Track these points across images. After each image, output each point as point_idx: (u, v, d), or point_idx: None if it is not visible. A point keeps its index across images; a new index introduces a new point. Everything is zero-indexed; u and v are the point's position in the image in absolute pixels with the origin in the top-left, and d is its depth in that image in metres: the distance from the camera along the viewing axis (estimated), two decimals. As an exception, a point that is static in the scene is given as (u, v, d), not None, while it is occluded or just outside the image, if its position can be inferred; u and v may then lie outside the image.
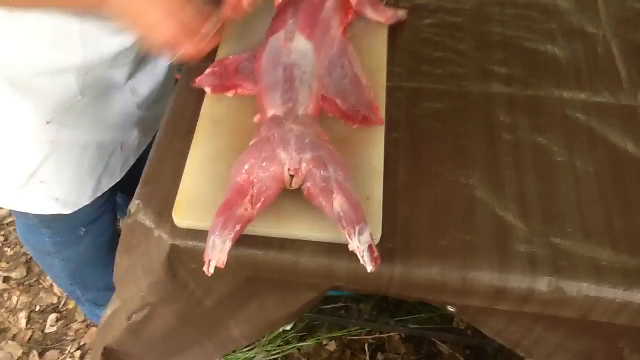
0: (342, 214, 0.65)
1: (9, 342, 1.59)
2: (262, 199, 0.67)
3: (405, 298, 0.75)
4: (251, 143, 0.71)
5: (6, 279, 1.72)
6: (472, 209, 0.74)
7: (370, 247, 0.64)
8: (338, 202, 0.65)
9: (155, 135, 1.05)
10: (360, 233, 0.64)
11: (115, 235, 1.20)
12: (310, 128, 0.70)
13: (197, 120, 0.81)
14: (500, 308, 0.72)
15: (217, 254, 0.64)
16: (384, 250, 0.70)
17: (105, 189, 1.02)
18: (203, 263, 0.68)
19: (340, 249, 0.70)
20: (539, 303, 0.69)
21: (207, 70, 0.84)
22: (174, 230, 0.73)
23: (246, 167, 0.67)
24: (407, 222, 0.73)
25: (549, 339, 0.77)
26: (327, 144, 0.71)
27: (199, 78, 0.83)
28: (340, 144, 0.77)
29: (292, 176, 0.68)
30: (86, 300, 1.44)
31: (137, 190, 0.77)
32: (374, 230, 0.70)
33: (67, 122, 0.87)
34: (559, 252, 0.70)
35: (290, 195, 0.72)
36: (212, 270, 0.64)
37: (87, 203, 1.00)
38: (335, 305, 1.53)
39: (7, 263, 1.74)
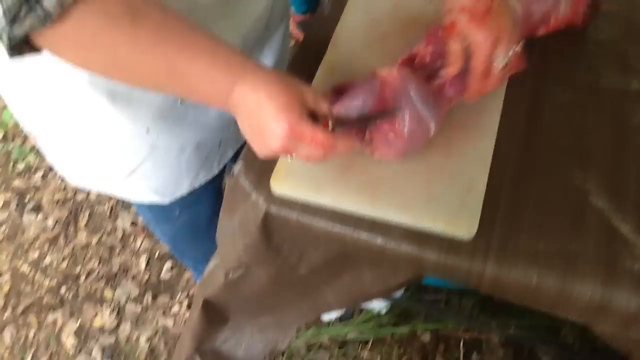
0: None
1: (129, 281, 1.74)
2: None
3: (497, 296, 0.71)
4: None
5: (133, 224, 1.87)
6: (583, 214, 0.68)
7: None
8: None
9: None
10: None
11: (216, 212, 1.23)
12: None
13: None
14: (599, 328, 0.66)
15: None
16: (478, 245, 0.66)
17: (203, 181, 1.03)
18: (294, 231, 0.68)
19: (430, 239, 0.68)
20: (647, 328, 0.62)
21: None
22: (270, 197, 0.74)
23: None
24: (508, 217, 0.68)
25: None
26: None
27: None
28: (449, 129, 0.73)
29: None
30: (186, 263, 1.53)
31: (243, 151, 0.79)
32: (471, 224, 0.67)
33: (166, 128, 0.87)
34: (679, 276, 0.62)
35: (388, 177, 0.70)
36: None
37: (184, 193, 1.02)
38: (436, 297, 1.49)
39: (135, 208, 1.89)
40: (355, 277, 0.85)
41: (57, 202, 1.96)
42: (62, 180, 1.99)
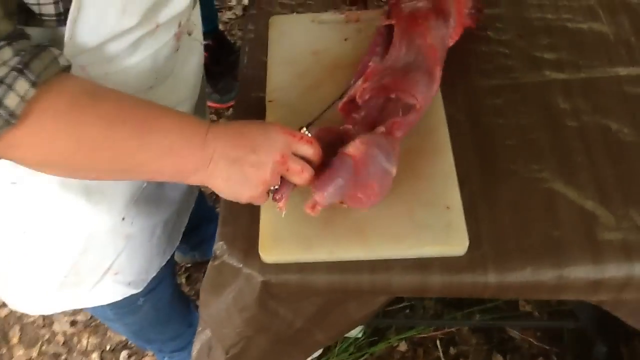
0: None
1: (87, 385, 1.63)
2: None
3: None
4: None
5: (73, 323, 1.75)
6: (552, 202, 0.74)
7: None
8: None
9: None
10: None
11: (175, 291, 1.20)
12: None
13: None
14: (597, 299, 0.72)
15: None
16: (474, 257, 0.71)
17: (169, 257, 1.03)
18: (294, 293, 0.69)
19: (430, 263, 0.71)
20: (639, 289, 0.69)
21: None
22: (263, 266, 0.74)
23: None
24: (491, 226, 0.73)
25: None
26: None
27: None
28: (407, 155, 0.77)
29: None
30: (151, 348, 1.47)
31: (218, 231, 0.78)
32: (461, 239, 0.70)
33: (139, 212, 0.87)
34: (650, 233, 0.70)
35: (370, 217, 0.73)
36: None
37: (154, 275, 1.00)
38: (400, 305, 1.53)
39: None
40: (342, 311, 0.86)
41: (-21, 326, 1.79)
42: (-23, 301, 1.83)
